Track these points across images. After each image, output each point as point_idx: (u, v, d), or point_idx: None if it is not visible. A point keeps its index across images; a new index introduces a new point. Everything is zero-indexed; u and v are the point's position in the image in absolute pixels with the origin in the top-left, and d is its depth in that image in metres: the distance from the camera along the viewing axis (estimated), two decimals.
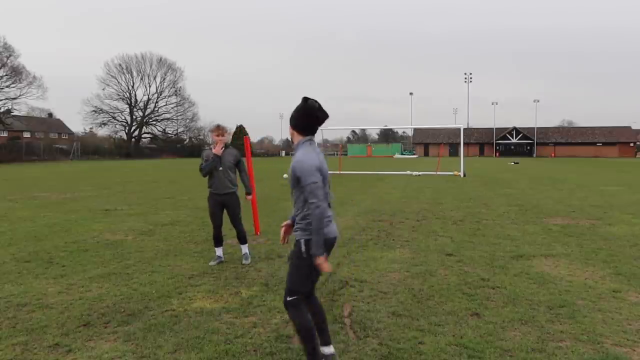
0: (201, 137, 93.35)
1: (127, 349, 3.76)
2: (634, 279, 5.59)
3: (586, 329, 4.11)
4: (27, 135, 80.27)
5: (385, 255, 6.90)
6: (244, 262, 6.50)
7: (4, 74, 61.09)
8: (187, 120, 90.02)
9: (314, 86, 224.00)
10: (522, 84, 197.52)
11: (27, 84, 62.97)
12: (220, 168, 6.26)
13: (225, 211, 6.47)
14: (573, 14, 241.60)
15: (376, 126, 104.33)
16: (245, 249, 6.62)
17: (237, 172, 6.50)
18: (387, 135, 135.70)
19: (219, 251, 6.54)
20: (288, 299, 3.14)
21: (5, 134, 70.16)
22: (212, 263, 6.43)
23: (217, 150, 6.25)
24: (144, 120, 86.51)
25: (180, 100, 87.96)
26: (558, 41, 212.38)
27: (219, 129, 6.31)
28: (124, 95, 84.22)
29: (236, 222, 6.48)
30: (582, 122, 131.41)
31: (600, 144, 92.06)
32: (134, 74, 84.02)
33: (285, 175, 25.45)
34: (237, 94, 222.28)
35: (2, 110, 63.63)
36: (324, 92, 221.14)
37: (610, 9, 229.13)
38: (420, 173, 28.41)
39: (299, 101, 3.25)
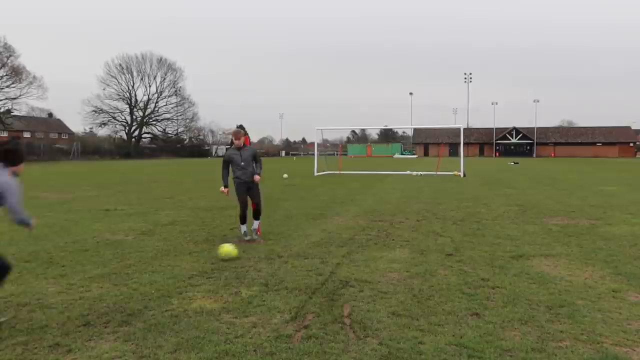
0: (201, 137, 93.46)
1: (127, 349, 3.76)
2: (633, 279, 5.59)
3: (586, 329, 4.11)
4: (27, 135, 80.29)
5: (385, 255, 6.90)
6: (253, 235, 7.95)
7: (4, 74, 61.17)
8: (187, 120, 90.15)
9: (315, 87, 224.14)
10: (522, 84, 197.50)
11: (27, 84, 63.06)
12: (242, 163, 7.85)
13: (248, 193, 8.03)
14: (572, 13, 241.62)
15: (376, 126, 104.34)
16: (256, 224, 8.07)
17: (255, 162, 8.06)
18: (387, 135, 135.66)
19: (244, 228, 8.02)
20: None
21: (5, 134, 70.12)
22: (246, 238, 7.90)
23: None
24: (144, 120, 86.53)
25: (180, 100, 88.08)
26: (558, 41, 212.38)
27: (238, 134, 7.97)
28: (124, 95, 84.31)
29: (258, 198, 8.08)
30: (581, 122, 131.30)
31: (600, 144, 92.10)
32: (134, 74, 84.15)
33: (285, 175, 25.44)
34: (238, 93, 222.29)
35: (2, 110, 63.65)
36: (324, 92, 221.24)
37: (610, 7, 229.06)
38: (420, 173, 28.41)
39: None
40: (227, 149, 8.16)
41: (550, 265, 6.27)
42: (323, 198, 14.70)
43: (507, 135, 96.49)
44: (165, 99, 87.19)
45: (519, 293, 5.09)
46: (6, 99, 63.10)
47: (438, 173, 28.13)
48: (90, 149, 72.20)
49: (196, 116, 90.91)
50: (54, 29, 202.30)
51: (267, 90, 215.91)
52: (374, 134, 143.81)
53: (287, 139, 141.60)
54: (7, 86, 61.82)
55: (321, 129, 34.44)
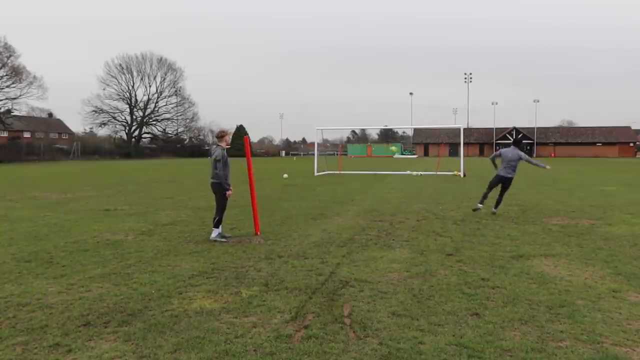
0: (201, 137, 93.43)
1: (127, 349, 3.76)
2: (634, 279, 5.59)
3: (586, 329, 4.11)
4: (27, 135, 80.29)
5: (385, 255, 6.90)
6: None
7: (4, 74, 61.12)
8: (187, 120, 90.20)
9: (315, 87, 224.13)
10: (522, 84, 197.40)
11: (28, 84, 63.03)
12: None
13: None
14: (572, 12, 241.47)
15: (376, 126, 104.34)
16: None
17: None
18: (387, 135, 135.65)
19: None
20: None
21: (5, 134, 70.12)
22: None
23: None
24: (144, 120, 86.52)
25: (180, 100, 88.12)
26: (558, 41, 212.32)
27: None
28: (124, 95, 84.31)
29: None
30: (581, 122, 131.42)
31: (600, 144, 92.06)
32: (134, 74, 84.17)
33: (285, 175, 25.44)
34: (238, 93, 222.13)
35: (2, 110, 63.62)
36: (324, 92, 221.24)
37: (610, 8, 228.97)
38: (420, 173, 28.42)
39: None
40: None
41: (550, 265, 6.27)
42: (323, 198, 14.69)
43: (507, 135, 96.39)
44: (165, 99, 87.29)
45: (519, 293, 5.09)
46: (6, 99, 63.11)
47: (438, 173, 28.13)
48: (90, 149, 72.21)
49: (196, 116, 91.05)
50: (54, 29, 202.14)
51: (267, 90, 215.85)
52: (374, 134, 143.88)
53: (287, 139, 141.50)
54: (7, 86, 61.80)
55: (321, 129, 34.41)
